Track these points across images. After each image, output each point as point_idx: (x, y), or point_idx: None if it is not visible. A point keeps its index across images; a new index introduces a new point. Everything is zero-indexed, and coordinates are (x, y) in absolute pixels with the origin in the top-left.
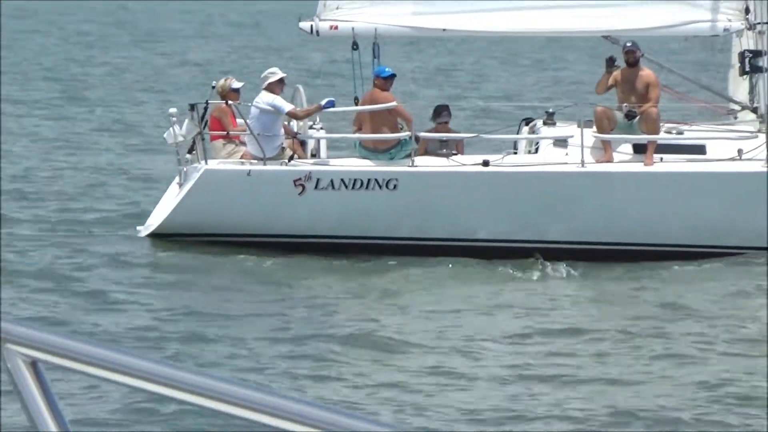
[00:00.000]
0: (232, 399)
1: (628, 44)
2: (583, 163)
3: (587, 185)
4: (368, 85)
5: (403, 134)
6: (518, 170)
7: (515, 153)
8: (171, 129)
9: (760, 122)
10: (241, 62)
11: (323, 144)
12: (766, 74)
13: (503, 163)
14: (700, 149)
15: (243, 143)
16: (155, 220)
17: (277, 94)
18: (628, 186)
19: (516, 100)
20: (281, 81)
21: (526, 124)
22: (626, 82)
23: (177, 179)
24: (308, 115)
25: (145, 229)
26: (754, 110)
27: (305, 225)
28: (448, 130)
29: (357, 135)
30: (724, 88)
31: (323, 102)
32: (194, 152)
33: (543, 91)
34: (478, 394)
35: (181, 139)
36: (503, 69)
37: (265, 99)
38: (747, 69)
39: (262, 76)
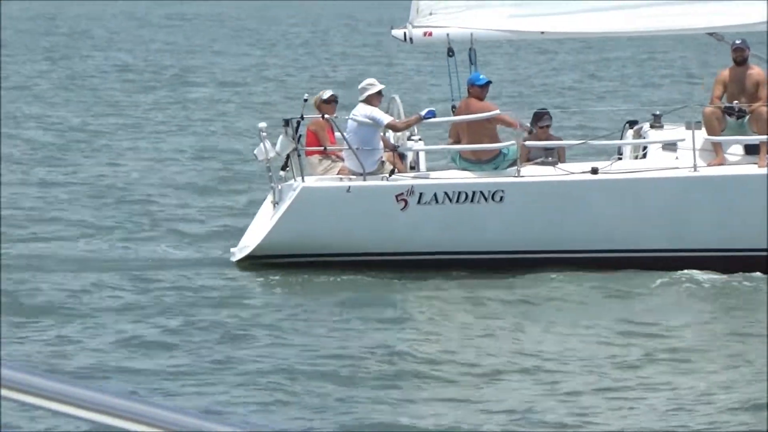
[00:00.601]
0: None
1: (737, 42)
2: (695, 167)
3: (703, 191)
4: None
5: (509, 143)
6: (630, 177)
7: (621, 158)
8: (261, 145)
9: None
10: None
11: (422, 156)
12: None
13: (612, 169)
14: None
15: (339, 158)
16: (251, 241)
17: (375, 106)
18: (746, 190)
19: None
20: (380, 93)
21: (631, 127)
22: (735, 81)
23: (270, 197)
24: (408, 126)
25: (239, 252)
26: None
27: (409, 241)
28: (549, 136)
29: (459, 146)
30: None
31: (423, 112)
32: (288, 169)
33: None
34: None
35: (273, 155)
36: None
37: (362, 111)
38: None
39: (360, 87)
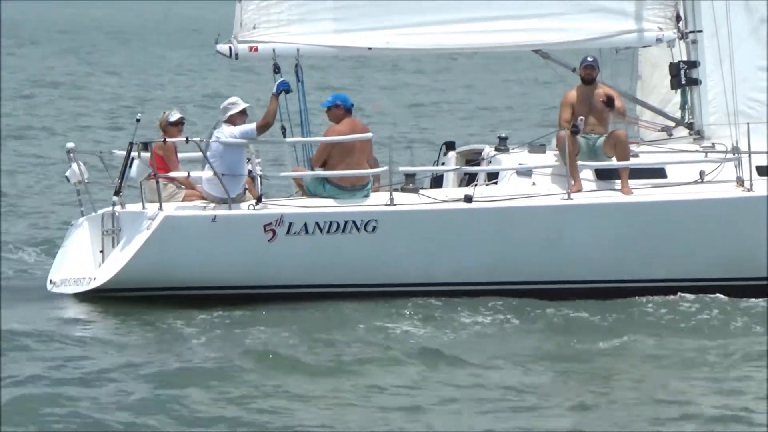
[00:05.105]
0: None
1: (589, 59)
2: (569, 194)
3: (580, 219)
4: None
5: (382, 169)
6: (508, 205)
7: (479, 185)
8: (73, 166)
9: (695, 139)
10: None
11: (258, 183)
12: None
13: (485, 197)
14: (660, 172)
15: (183, 184)
16: (94, 273)
17: None
18: (618, 217)
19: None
20: (244, 112)
21: (449, 150)
22: (583, 101)
23: (87, 223)
24: (274, 114)
25: (74, 284)
26: (689, 126)
27: (277, 274)
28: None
29: (331, 173)
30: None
31: (274, 88)
32: (121, 194)
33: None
34: None
35: (87, 177)
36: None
37: (228, 132)
38: (683, 81)
39: (222, 107)
